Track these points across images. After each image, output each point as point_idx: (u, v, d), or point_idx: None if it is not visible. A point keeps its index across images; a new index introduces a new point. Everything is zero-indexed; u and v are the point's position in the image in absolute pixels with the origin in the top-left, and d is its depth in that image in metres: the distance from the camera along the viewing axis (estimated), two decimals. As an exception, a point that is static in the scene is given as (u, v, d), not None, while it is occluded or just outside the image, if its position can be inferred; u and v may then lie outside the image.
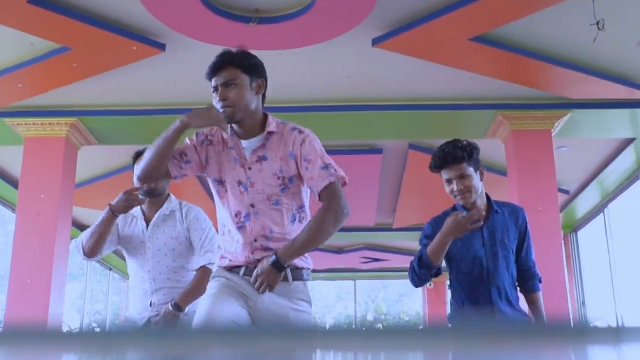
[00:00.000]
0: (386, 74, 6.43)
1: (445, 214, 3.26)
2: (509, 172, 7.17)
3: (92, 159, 8.23)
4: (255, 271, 2.52)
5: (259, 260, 2.54)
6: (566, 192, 9.52)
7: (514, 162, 7.01)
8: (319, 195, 2.57)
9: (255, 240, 2.56)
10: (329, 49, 5.87)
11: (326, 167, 2.57)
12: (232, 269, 2.61)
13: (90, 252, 3.53)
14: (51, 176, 7.00)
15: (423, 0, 5.33)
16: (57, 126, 7.00)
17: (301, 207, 2.65)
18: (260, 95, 2.66)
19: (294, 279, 2.55)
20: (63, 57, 5.88)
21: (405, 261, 14.39)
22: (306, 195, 2.68)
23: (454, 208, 3.31)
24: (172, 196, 3.72)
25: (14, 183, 8.53)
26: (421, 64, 6.13)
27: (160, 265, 3.56)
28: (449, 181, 3.21)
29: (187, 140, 2.68)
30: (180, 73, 6.29)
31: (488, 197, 3.33)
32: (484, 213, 3.13)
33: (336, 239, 12.11)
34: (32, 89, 6.46)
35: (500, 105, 6.90)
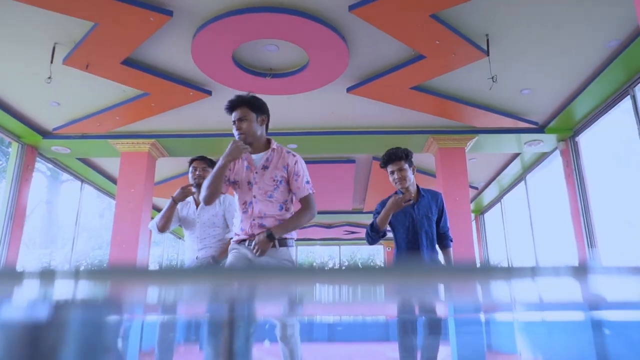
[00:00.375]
0: (357, 111, 6.37)
1: (389, 197, 3.31)
2: (437, 175, 7.15)
3: (166, 166, 8.22)
4: (254, 241, 2.57)
5: (256, 235, 2.57)
6: (476, 188, 9.49)
7: (441, 169, 6.97)
8: (300, 199, 2.66)
9: (254, 220, 2.59)
10: (318, 94, 5.85)
11: (308, 182, 2.67)
12: (240, 242, 2.64)
13: (162, 228, 3.60)
14: (138, 177, 6.97)
15: (379, 62, 5.32)
16: (142, 145, 6.97)
17: (285, 201, 2.65)
18: (264, 126, 2.68)
19: (280, 246, 2.57)
20: (144, 100, 5.86)
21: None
22: (288, 195, 2.69)
23: (396, 193, 3.34)
24: None
25: (114, 181, 8.53)
26: (379, 104, 6.12)
27: (204, 232, 3.58)
28: (392, 173, 3.26)
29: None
30: (221, 110, 6.16)
31: (418, 186, 3.35)
32: (413, 195, 3.21)
33: (326, 218, 12.13)
34: (125, 120, 6.43)
35: (430, 131, 6.86)
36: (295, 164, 2.64)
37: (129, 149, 6.99)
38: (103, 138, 6.87)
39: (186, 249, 3.73)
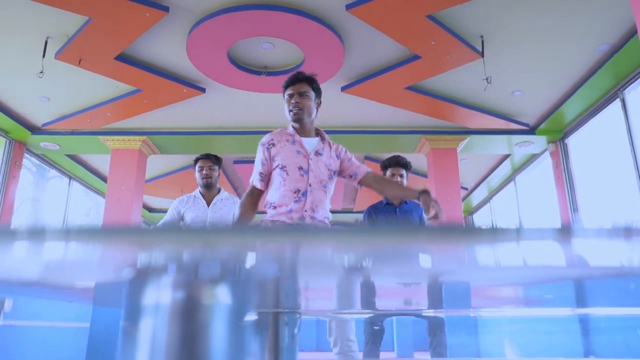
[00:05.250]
0: (351, 110, 6.38)
1: (375, 205, 3.50)
2: (429, 175, 7.18)
3: (157, 164, 8.16)
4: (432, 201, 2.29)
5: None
6: (466, 188, 9.54)
7: (433, 169, 7.00)
8: (364, 176, 2.48)
9: (306, 211, 2.33)
10: (313, 93, 5.84)
11: (360, 163, 2.57)
12: (275, 222, 2.40)
13: None
14: (128, 175, 6.91)
15: (374, 61, 5.34)
16: (133, 142, 6.91)
17: (331, 191, 2.48)
18: (317, 110, 2.51)
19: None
20: (137, 96, 5.82)
21: None
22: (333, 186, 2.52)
23: (381, 201, 3.48)
24: (223, 189, 3.67)
25: (103, 179, 8.44)
26: (373, 104, 6.12)
27: None
28: (393, 176, 3.41)
29: (259, 157, 2.44)
30: (215, 107, 6.21)
31: None
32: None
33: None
34: (117, 116, 6.37)
35: (423, 132, 6.89)
36: (345, 151, 2.53)
37: (120, 146, 6.92)
38: (93, 134, 6.80)
39: None
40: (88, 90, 5.85)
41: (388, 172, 3.45)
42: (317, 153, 2.42)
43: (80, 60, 5.01)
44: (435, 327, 3.23)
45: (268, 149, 2.43)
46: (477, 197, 9.98)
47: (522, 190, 8.48)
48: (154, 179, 8.83)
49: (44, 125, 6.66)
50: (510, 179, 8.72)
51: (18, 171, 6.88)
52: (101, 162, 8.13)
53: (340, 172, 2.51)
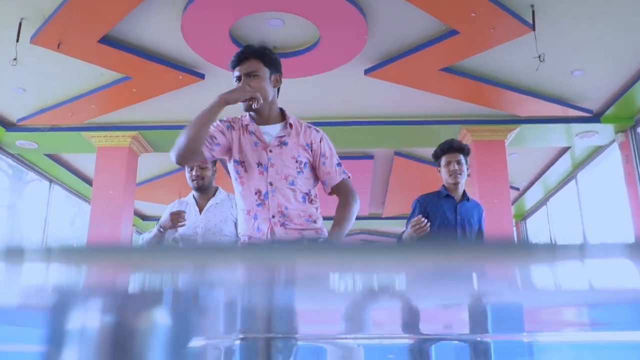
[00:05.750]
0: (376, 96, 6.39)
1: (432, 194, 3.44)
2: (472, 173, 7.13)
3: (150, 164, 8.26)
4: None
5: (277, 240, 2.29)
6: (517, 189, 9.45)
7: (475, 165, 6.94)
8: (333, 188, 2.39)
9: (273, 217, 2.27)
10: (331, 77, 5.86)
11: (339, 164, 2.42)
12: None
13: None
14: (117, 177, 7.02)
15: (403, 39, 5.34)
16: (122, 138, 7.02)
17: (309, 192, 2.36)
18: (277, 89, 2.39)
19: None
20: (125, 85, 5.90)
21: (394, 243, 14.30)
22: (314, 185, 2.42)
23: (439, 190, 3.44)
24: (220, 189, 3.63)
25: (88, 182, 8.58)
26: (402, 89, 6.12)
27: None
28: (449, 163, 3.37)
29: (212, 126, 2.31)
30: (216, 96, 6.27)
31: (464, 191, 3.48)
32: (428, 229, 3.13)
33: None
34: (103, 109, 6.47)
35: (463, 121, 6.88)
36: (321, 141, 2.39)
37: (107, 143, 7.03)
38: (76, 130, 6.93)
39: None
40: (69, 79, 5.95)
41: (442, 161, 3.41)
42: (280, 143, 2.34)
43: (59, 45, 5.11)
44: (480, 354, 3.20)
45: (228, 126, 2.36)
46: (531, 198, 9.87)
47: (585, 189, 8.35)
48: (147, 181, 8.95)
49: (19, 120, 6.80)
50: (570, 176, 8.60)
51: (-9, 174, 7.05)
52: (86, 163, 8.25)
53: (315, 169, 2.40)
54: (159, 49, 5.45)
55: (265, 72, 2.33)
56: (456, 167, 3.35)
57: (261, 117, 2.36)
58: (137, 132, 6.99)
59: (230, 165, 2.39)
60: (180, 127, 7.03)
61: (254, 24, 5.07)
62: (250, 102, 2.28)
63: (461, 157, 3.38)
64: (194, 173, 3.47)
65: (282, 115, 2.42)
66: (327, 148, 2.40)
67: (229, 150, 2.36)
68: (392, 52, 5.53)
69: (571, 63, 5.69)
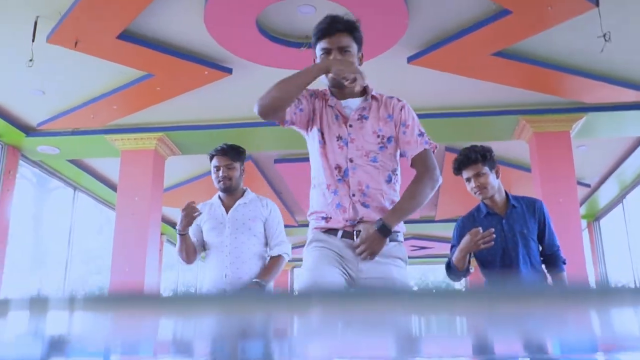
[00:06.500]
0: (421, 86, 6.37)
1: (470, 214, 3.33)
2: (533, 169, 7.06)
3: (178, 167, 8.44)
4: (359, 238, 2.27)
5: (358, 222, 2.31)
6: (587, 185, 9.28)
7: (537, 160, 6.90)
8: (413, 159, 2.38)
9: (354, 195, 2.31)
10: (370, 66, 5.80)
11: (422, 134, 2.42)
12: (329, 231, 2.36)
13: (188, 261, 3.54)
14: (143, 182, 7.21)
15: (449, 22, 5.32)
16: (147, 140, 7.21)
17: (395, 170, 2.39)
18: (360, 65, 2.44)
19: (390, 240, 2.30)
20: (148, 83, 6.06)
21: (446, 248, 14.25)
22: (397, 161, 2.44)
23: (478, 208, 3.31)
24: (249, 190, 3.69)
25: (114, 188, 8.81)
26: (450, 77, 6.09)
27: (237, 241, 3.48)
28: (469, 180, 3.24)
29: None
30: (247, 92, 6.32)
31: (506, 193, 3.31)
32: (494, 234, 3.04)
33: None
34: (125, 110, 6.66)
35: (522, 111, 6.79)
36: (402, 110, 2.42)
37: (131, 147, 7.24)
38: (98, 133, 7.15)
39: (208, 267, 3.62)
40: (89, 79, 6.16)
41: (464, 177, 3.29)
42: (361, 116, 2.39)
43: (76, 43, 5.28)
44: None
45: (312, 95, 2.45)
46: (604, 196, 9.67)
47: (668, 184, 8.11)
48: (176, 186, 9.16)
49: (39, 124, 7.07)
50: (649, 170, 8.37)
51: (12, 183, 7.33)
52: (110, 168, 8.50)
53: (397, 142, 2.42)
54: (181, 43, 5.57)
55: (355, 48, 2.38)
56: (476, 183, 3.21)
57: (342, 91, 2.41)
58: (163, 133, 7.16)
59: (311, 135, 2.46)
60: (208, 128, 7.19)
61: (283, 12, 5.12)
62: (347, 80, 2.30)
63: (480, 166, 3.20)
64: (220, 174, 3.53)
65: (364, 90, 2.46)
66: (407, 116, 2.42)
67: (308, 121, 2.43)
68: (437, 37, 5.50)
69: None
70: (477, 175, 3.20)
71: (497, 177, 3.27)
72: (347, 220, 2.31)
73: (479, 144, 3.32)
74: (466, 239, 3.04)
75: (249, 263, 3.47)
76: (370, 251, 2.25)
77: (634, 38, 5.49)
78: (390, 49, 5.51)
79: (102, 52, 5.49)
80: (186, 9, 5.04)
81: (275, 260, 3.56)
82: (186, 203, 3.34)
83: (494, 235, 3.01)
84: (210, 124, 7.05)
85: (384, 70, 5.99)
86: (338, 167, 2.35)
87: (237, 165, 3.58)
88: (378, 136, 2.36)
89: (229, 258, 3.45)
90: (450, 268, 3.23)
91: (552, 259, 3.31)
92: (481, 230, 3.00)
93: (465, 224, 3.26)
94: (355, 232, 2.30)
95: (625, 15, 5.12)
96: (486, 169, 3.21)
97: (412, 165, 2.40)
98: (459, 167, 3.26)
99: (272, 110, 2.32)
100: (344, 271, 2.28)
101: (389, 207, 2.33)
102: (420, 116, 7.00)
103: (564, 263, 3.34)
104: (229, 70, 5.92)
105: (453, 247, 3.27)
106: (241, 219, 3.52)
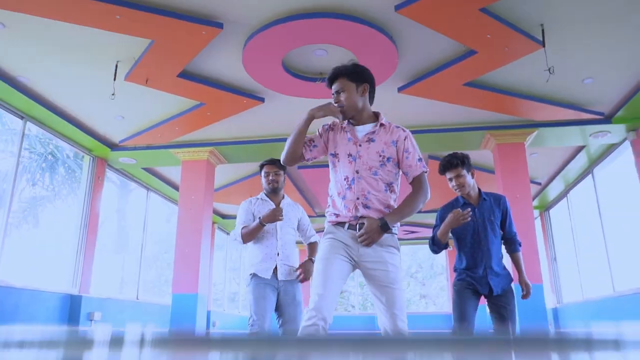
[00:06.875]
0: (409, 110, 6.32)
1: (450, 204, 3.34)
2: (496, 172, 6.94)
3: (225, 173, 8.48)
4: (363, 229, 2.30)
5: (360, 218, 2.33)
6: (539, 183, 9.11)
7: (499, 165, 6.79)
8: (413, 179, 2.38)
9: (358, 199, 2.34)
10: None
11: (420, 159, 2.41)
12: (338, 224, 2.38)
13: (246, 241, 3.48)
14: (198, 184, 7.24)
15: (429, 60, 5.27)
16: (201, 153, 7.24)
17: (391, 183, 2.38)
18: (367, 96, 2.44)
19: (385, 233, 2.33)
20: (200, 109, 6.10)
21: (430, 232, 14.15)
22: (397, 177, 2.42)
23: (457, 199, 3.29)
24: (287, 195, 3.70)
25: (177, 188, 8.90)
26: (432, 102, 6.04)
27: (283, 231, 3.50)
28: (450, 180, 3.23)
29: (317, 131, 2.51)
30: (275, 115, 6.38)
31: (479, 190, 3.31)
32: (474, 199, 3.15)
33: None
34: (184, 130, 6.71)
35: (487, 127, 6.70)
36: (405, 139, 2.40)
37: (189, 158, 7.28)
38: (165, 148, 7.21)
39: (260, 248, 3.51)
40: (157, 107, 6.22)
41: (447, 177, 3.26)
42: (369, 139, 2.38)
43: (147, 80, 5.34)
44: None
45: (327, 129, 2.49)
46: (553, 191, 9.49)
47: (602, 183, 7.95)
48: (224, 187, 9.20)
49: (121, 141, 7.15)
50: (587, 171, 8.21)
51: (101, 185, 7.43)
52: (174, 174, 8.60)
53: (398, 163, 2.42)
54: (226, 79, 5.60)
55: (351, 86, 2.38)
56: (456, 182, 3.20)
57: (355, 120, 2.44)
58: (213, 147, 7.18)
59: (329, 158, 2.50)
60: (247, 143, 7.20)
61: (303, 55, 5.13)
62: (337, 115, 2.39)
63: (459, 169, 3.18)
64: (270, 178, 3.55)
65: (375, 117, 2.47)
66: (410, 145, 2.40)
67: (325, 150, 2.49)
68: (421, 71, 5.47)
69: (581, 72, 5.46)
70: (458, 176, 3.19)
71: (472, 177, 3.26)
72: (351, 217, 2.35)
73: (458, 151, 3.29)
74: (450, 216, 3.07)
75: (290, 246, 3.54)
76: (370, 240, 2.28)
77: (574, 70, 5.41)
78: (385, 82, 5.49)
79: (166, 87, 5.56)
80: (229, 53, 5.08)
81: (314, 245, 3.68)
82: (279, 210, 3.38)
83: (470, 213, 3.06)
84: (248, 140, 7.07)
85: (380, 99, 5.78)
86: (347, 178, 2.37)
87: (282, 172, 3.60)
88: (380, 156, 2.36)
89: (280, 242, 3.48)
90: (434, 242, 3.22)
91: (510, 242, 3.31)
92: (461, 211, 3.05)
93: (446, 210, 3.24)
94: (358, 225, 2.33)
95: (567, 52, 5.06)
96: (464, 172, 3.20)
97: (411, 183, 2.41)
98: (443, 170, 3.25)
99: (291, 160, 2.45)
100: (348, 255, 2.32)
101: (384, 209, 2.35)
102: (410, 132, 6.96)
103: (520, 245, 3.34)
104: (261, 99, 5.94)
105: (436, 227, 3.25)
106: (287, 215, 3.56)
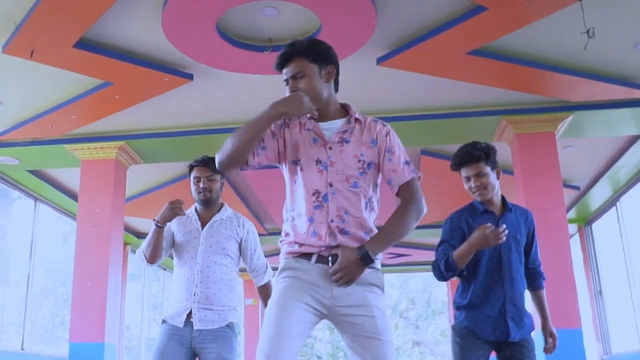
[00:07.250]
0: (392, 88, 6.43)
1: (465, 210, 3.32)
2: (515, 173, 7.06)
3: (140, 176, 8.55)
4: (337, 263, 2.27)
5: (334, 247, 2.31)
6: (577, 188, 9.26)
7: (519, 163, 6.91)
8: (400, 188, 2.40)
9: (332, 221, 2.31)
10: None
11: (408, 163, 2.43)
12: (301, 256, 2.35)
13: (151, 259, 3.54)
14: (104, 192, 7.30)
15: (420, 21, 5.35)
16: (108, 149, 7.30)
17: (371, 198, 2.40)
18: (332, 82, 2.47)
19: (367, 267, 2.32)
20: (106, 91, 6.16)
21: (426, 255, 13.78)
22: (376, 190, 2.44)
23: (472, 205, 3.31)
24: (226, 205, 3.74)
25: (76, 198, 8.87)
26: (424, 78, 6.12)
27: (208, 260, 3.50)
28: (468, 178, 3.23)
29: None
30: (208, 98, 6.48)
31: (503, 197, 3.32)
32: (506, 232, 3.03)
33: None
34: (84, 119, 6.76)
35: (502, 111, 6.80)
36: (387, 136, 2.42)
37: (91, 156, 7.34)
38: (58, 143, 7.25)
39: (176, 282, 3.62)
40: (46, 88, 6.27)
41: (463, 176, 3.27)
42: (342, 139, 2.40)
43: (32, 53, 5.36)
44: None
45: (282, 126, 2.47)
46: (597, 198, 9.71)
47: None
48: (138, 195, 9.26)
49: (-3, 135, 7.16)
50: (644, 169, 8.47)
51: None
52: (71, 178, 8.59)
53: (379, 168, 2.44)
54: (140, 49, 5.66)
55: (313, 69, 2.39)
56: (474, 183, 3.20)
57: (319, 114, 2.42)
58: (123, 142, 7.25)
59: (284, 167, 2.48)
60: (170, 135, 7.29)
61: (245, 15, 5.18)
62: (314, 114, 2.39)
63: (481, 165, 3.18)
64: (201, 185, 3.58)
65: (345, 110, 2.50)
66: (394, 143, 2.43)
67: (277, 155, 2.45)
68: (409, 36, 5.53)
69: (633, 35, 5.56)
70: (478, 174, 3.19)
71: (498, 178, 3.26)
72: (322, 246, 2.32)
73: (481, 141, 3.30)
74: (479, 234, 3.00)
75: (218, 284, 3.50)
76: (347, 278, 2.26)
77: (622, 32, 5.50)
78: (358, 51, 5.53)
79: (59, 62, 5.60)
80: (143, 14, 5.12)
81: (265, 289, 3.70)
82: (177, 200, 3.42)
83: (507, 232, 3.00)
84: (172, 132, 7.16)
85: (353, 74, 5.93)
86: (317, 193, 2.35)
87: (218, 177, 3.63)
88: (359, 161, 2.37)
89: (200, 277, 3.48)
90: (449, 266, 3.13)
91: (533, 274, 3.36)
92: (492, 226, 2.99)
93: (459, 219, 3.26)
94: (331, 257, 2.32)
95: (611, 9, 5.12)
96: (488, 169, 3.20)
97: (397, 194, 2.42)
98: (459, 164, 3.25)
99: (232, 163, 2.39)
100: (314, 301, 2.29)
101: (364, 235, 2.35)
102: (391, 119, 7.16)
103: (544, 280, 3.40)
104: (189, 77, 6.02)
105: (443, 242, 3.26)
106: (216, 237, 3.57)
